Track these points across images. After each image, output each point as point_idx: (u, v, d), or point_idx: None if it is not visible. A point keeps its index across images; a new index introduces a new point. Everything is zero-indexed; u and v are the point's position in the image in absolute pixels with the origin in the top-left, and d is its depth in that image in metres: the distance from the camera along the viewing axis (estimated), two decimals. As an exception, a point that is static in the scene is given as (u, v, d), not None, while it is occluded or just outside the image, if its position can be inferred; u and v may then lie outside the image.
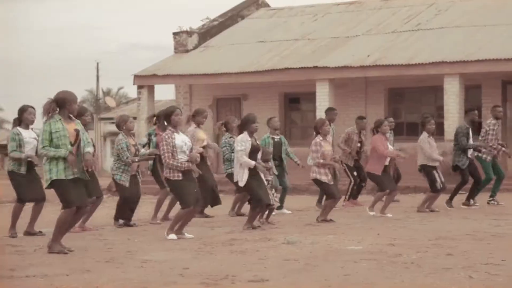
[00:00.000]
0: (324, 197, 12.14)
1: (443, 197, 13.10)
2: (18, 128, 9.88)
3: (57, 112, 8.08)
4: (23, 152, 9.75)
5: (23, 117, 9.89)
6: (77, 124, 8.19)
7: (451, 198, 13.33)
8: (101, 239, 9.41)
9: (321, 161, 11.03)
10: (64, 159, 7.95)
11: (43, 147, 8.01)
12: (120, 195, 11.16)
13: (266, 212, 10.83)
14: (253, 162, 10.15)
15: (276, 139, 12.79)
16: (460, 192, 13.74)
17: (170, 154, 9.13)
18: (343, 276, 6.56)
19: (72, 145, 8.02)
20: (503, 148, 13.63)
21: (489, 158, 13.35)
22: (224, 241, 9.00)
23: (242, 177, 10.18)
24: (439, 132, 13.70)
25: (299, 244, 8.60)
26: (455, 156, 13.28)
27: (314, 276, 6.61)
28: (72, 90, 8.31)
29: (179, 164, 9.14)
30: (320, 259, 7.52)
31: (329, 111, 14.16)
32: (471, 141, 13.14)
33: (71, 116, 8.17)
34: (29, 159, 9.76)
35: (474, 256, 7.53)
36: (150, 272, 6.93)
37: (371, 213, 11.97)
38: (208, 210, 12.25)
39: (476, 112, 13.49)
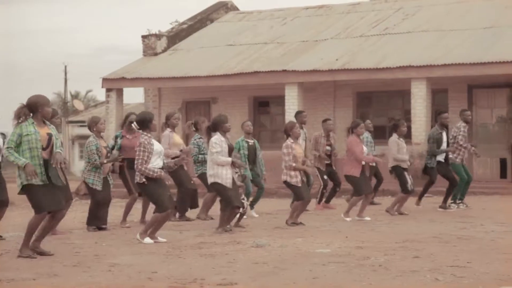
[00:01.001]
0: (293, 200, 12.16)
1: (411, 200, 13.22)
2: None
3: (30, 116, 8.00)
4: None
5: None
6: (51, 129, 8.10)
7: (419, 198, 13.58)
8: (69, 243, 9.34)
9: (293, 164, 11.01)
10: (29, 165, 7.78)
11: (8, 148, 7.91)
12: (92, 199, 11.03)
13: (237, 216, 10.75)
14: (229, 159, 10.13)
15: (250, 143, 12.78)
16: (426, 195, 13.94)
17: (144, 160, 8.97)
18: (312, 279, 6.59)
19: (44, 149, 7.94)
20: (473, 148, 13.80)
21: (458, 160, 13.47)
22: (192, 245, 8.98)
23: (225, 177, 10.11)
24: (406, 135, 13.77)
25: (268, 247, 8.62)
26: (425, 159, 13.46)
27: (282, 279, 6.63)
28: (40, 93, 8.23)
29: (150, 172, 9.00)
30: (288, 262, 7.54)
31: (298, 114, 14.21)
32: (444, 145, 13.23)
33: (45, 120, 8.09)
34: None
35: (440, 258, 7.61)
36: (118, 276, 6.90)
37: (348, 219, 11.79)
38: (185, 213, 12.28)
39: (445, 115, 13.40)
